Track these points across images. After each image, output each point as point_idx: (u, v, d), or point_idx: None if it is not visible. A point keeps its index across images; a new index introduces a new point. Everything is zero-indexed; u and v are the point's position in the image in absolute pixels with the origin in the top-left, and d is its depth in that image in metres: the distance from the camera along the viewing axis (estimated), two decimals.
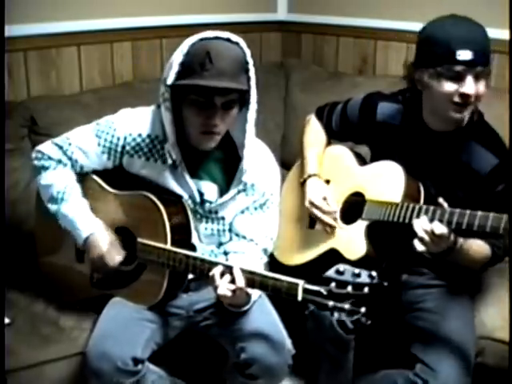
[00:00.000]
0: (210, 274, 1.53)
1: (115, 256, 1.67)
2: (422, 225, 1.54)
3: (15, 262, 1.94)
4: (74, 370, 1.72)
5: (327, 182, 1.96)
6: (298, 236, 2.00)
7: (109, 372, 1.56)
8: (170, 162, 1.66)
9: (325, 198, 1.86)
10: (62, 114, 2.23)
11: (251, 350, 1.62)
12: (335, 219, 1.85)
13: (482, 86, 1.62)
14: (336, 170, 1.97)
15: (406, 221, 1.63)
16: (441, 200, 1.57)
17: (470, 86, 1.59)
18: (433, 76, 1.63)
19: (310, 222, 1.96)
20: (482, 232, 1.50)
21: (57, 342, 1.74)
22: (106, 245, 1.67)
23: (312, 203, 1.86)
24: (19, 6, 2.18)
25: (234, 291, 1.50)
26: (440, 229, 1.52)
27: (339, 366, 1.93)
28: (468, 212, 1.51)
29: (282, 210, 2.00)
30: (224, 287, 1.50)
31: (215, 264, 1.54)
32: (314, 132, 2.05)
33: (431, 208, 1.59)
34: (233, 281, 1.50)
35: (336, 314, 1.31)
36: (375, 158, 1.91)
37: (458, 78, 1.60)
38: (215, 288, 1.52)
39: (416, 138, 1.79)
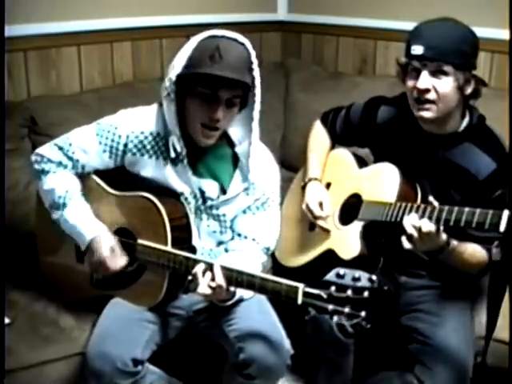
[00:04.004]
0: (193, 271, 1.53)
1: (117, 261, 1.66)
2: (410, 222, 1.55)
3: (15, 262, 1.94)
4: (74, 370, 1.72)
5: (329, 184, 1.97)
6: (298, 238, 2.01)
7: (108, 372, 1.56)
8: (173, 155, 1.64)
9: (321, 203, 1.88)
10: (62, 113, 2.24)
11: (249, 350, 1.62)
12: (329, 221, 1.86)
13: (443, 85, 1.62)
14: (337, 172, 1.99)
15: (398, 219, 1.64)
16: (431, 198, 1.58)
17: (422, 80, 1.62)
18: (404, 73, 1.68)
19: (310, 225, 1.97)
20: (478, 231, 1.49)
21: (57, 342, 1.74)
22: (109, 249, 1.66)
23: (307, 207, 1.89)
24: (19, 6, 2.18)
25: (213, 289, 1.51)
26: (427, 226, 1.53)
27: (338, 369, 1.93)
28: (456, 208, 1.52)
29: (285, 213, 2.01)
30: (204, 285, 1.51)
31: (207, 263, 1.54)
32: (317, 136, 2.07)
33: (422, 206, 1.60)
34: (213, 278, 1.51)
35: (336, 318, 1.31)
36: (377, 160, 1.91)
37: (416, 74, 1.64)
38: (196, 286, 1.52)
39: (413, 141, 1.79)
